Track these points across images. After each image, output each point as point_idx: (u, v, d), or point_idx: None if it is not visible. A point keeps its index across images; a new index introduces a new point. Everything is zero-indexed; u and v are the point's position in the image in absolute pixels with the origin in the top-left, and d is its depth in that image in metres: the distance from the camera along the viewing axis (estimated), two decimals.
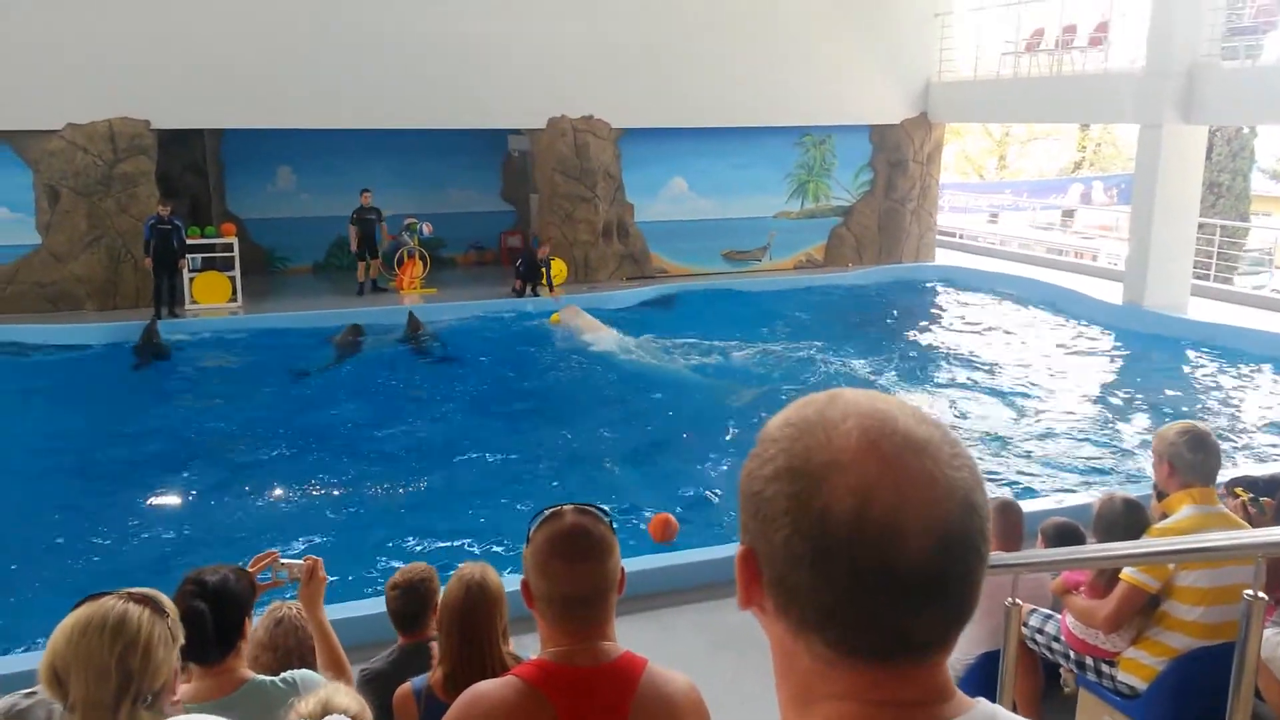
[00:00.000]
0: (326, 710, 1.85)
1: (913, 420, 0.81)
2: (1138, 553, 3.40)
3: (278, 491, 8.33)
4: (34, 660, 1.86)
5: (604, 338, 13.16)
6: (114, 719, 1.74)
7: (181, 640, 1.92)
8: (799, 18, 16.70)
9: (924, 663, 0.81)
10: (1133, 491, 4.75)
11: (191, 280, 14.19)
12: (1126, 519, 3.81)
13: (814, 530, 0.77)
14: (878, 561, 0.76)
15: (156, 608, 1.89)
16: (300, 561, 2.92)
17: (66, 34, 13.38)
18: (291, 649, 3.06)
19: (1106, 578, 3.70)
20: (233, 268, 14.50)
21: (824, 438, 0.80)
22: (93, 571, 6.53)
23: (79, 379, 11.63)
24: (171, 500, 8.16)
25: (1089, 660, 3.79)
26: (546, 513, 1.96)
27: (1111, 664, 3.71)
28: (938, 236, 19.57)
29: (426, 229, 15.75)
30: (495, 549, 6.94)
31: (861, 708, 0.81)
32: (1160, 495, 3.87)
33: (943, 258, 19.15)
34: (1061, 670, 4.14)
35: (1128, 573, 3.57)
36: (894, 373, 12.05)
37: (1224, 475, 4.19)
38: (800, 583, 0.78)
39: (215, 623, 2.40)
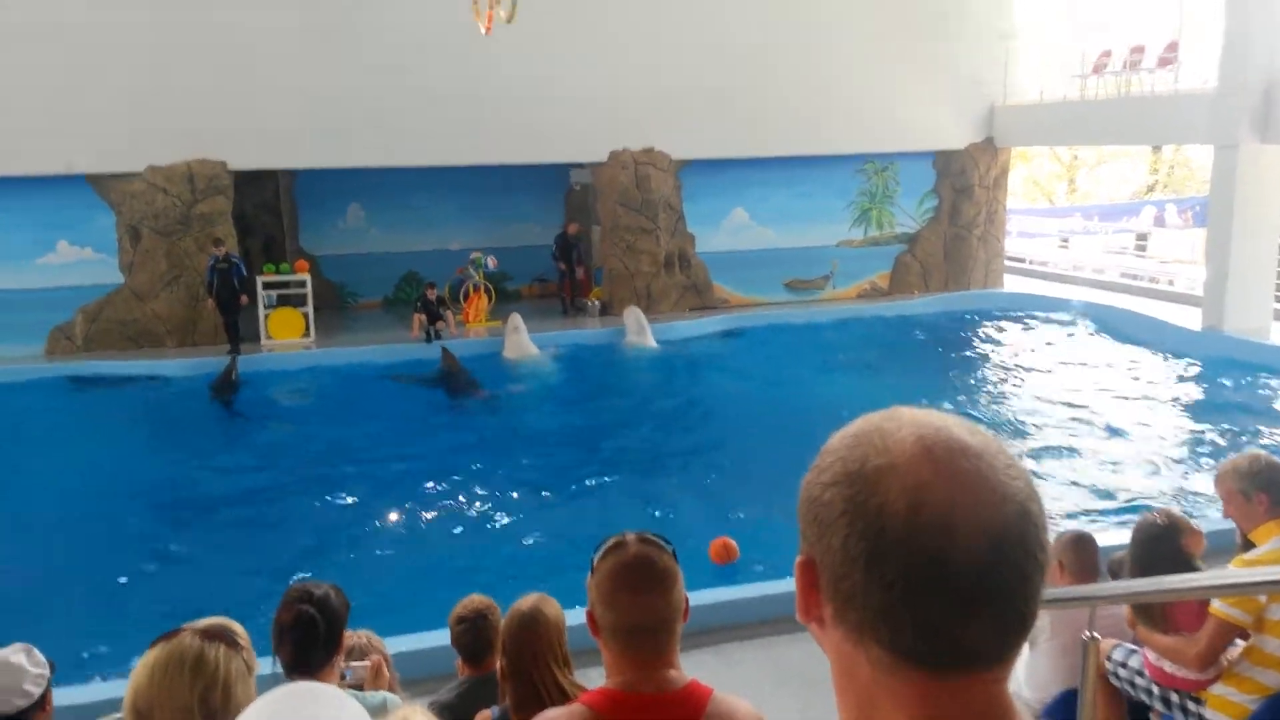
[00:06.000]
0: None
1: (966, 430, 0.83)
2: (1223, 584, 3.27)
3: (349, 522, 8.47)
4: (118, 688, 1.93)
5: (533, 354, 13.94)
6: None
7: (258, 668, 1.97)
8: (859, 43, 16.66)
9: (980, 676, 0.79)
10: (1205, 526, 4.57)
11: (267, 317, 14.57)
12: (1166, 539, 3.70)
13: (869, 530, 0.79)
14: (929, 560, 0.76)
15: (231, 642, 1.94)
16: (365, 663, 3.00)
17: (146, 80, 13.96)
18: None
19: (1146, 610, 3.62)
20: (306, 304, 14.87)
21: (880, 444, 0.82)
22: (170, 598, 6.69)
23: (160, 414, 11.99)
24: (244, 530, 8.34)
25: (1174, 696, 3.65)
26: (609, 542, 1.97)
27: (1198, 701, 3.57)
28: (1006, 262, 19.25)
29: (491, 263, 15.97)
30: (554, 578, 6.94)
31: None
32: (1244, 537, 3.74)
33: (1012, 284, 18.80)
34: (1151, 715, 3.99)
35: (1216, 606, 3.44)
36: (961, 401, 11.82)
37: None
38: (856, 584, 0.79)
39: (325, 630, 2.48)
